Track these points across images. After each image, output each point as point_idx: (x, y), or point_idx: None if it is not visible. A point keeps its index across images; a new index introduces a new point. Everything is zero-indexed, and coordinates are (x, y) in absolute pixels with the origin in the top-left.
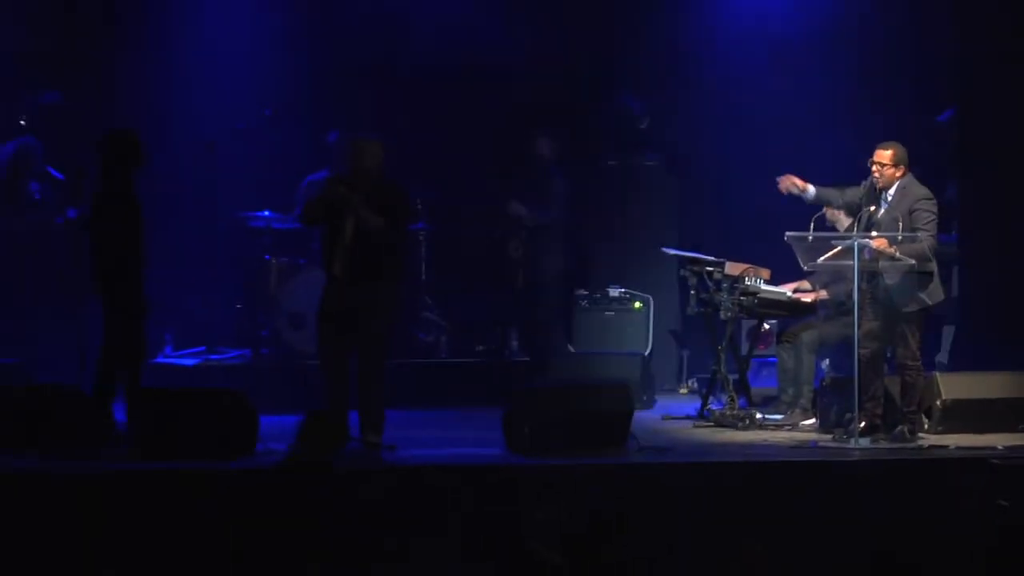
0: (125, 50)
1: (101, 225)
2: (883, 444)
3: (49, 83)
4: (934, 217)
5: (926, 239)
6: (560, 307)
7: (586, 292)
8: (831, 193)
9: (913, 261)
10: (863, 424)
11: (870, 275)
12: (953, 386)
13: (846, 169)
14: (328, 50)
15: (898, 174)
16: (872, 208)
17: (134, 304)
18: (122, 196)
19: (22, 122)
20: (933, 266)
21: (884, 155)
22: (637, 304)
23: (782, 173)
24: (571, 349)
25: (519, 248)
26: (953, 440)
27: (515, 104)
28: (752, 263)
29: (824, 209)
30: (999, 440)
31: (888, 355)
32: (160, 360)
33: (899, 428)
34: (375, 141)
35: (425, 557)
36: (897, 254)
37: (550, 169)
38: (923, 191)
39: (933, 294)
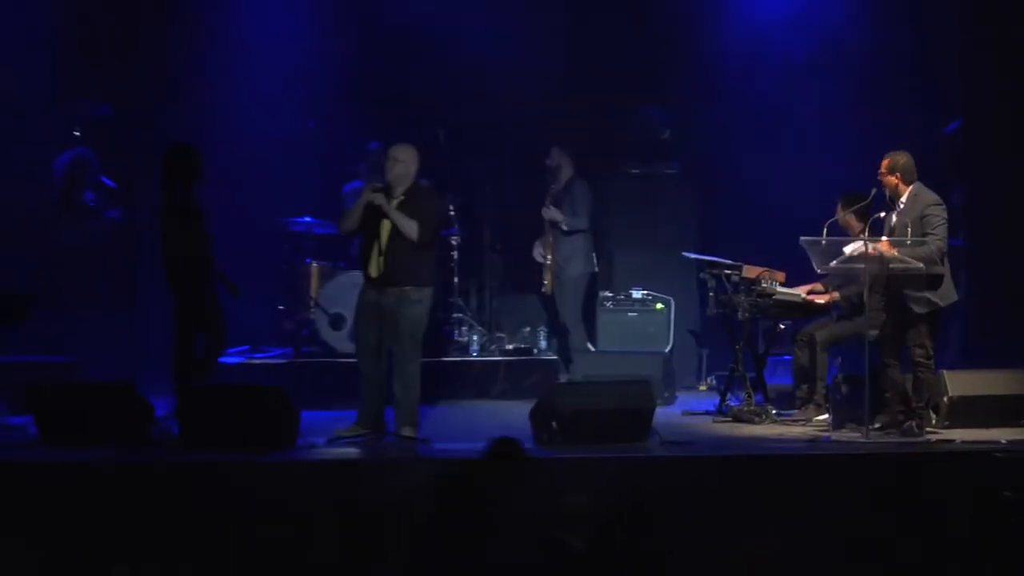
0: (173, 63)
1: (167, 233)
2: (892, 438)
3: (100, 96)
4: (943, 222)
5: (935, 243)
6: (585, 308)
7: (610, 294)
8: None
9: (921, 265)
10: (886, 420)
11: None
12: (959, 383)
13: (856, 177)
14: (367, 63)
15: (894, 180)
16: (884, 214)
17: (205, 307)
18: (184, 206)
19: (76, 133)
20: (942, 269)
21: (883, 163)
22: (659, 305)
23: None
24: (591, 348)
25: (547, 252)
26: (959, 434)
27: (543, 115)
28: (768, 266)
29: (837, 214)
30: (1002, 435)
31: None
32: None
33: (908, 423)
34: (410, 149)
35: (458, 544)
36: (906, 257)
37: (571, 179)
38: (933, 197)
39: (945, 296)
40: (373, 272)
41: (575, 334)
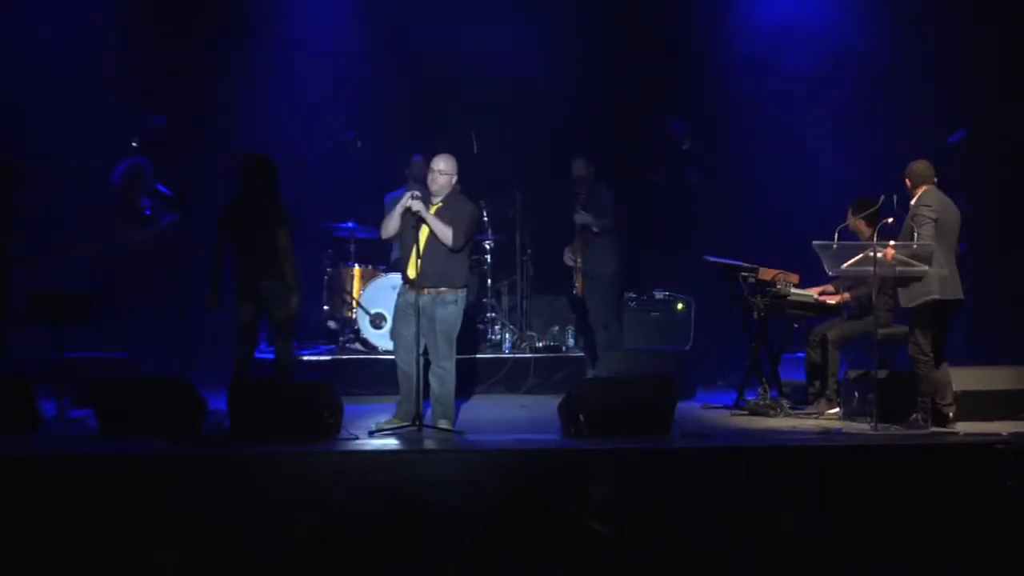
0: (225, 78)
1: (275, 230)
2: (899, 431)
3: (156, 107)
4: (928, 221)
5: (919, 241)
6: (614, 307)
7: (634, 294)
8: None
9: (926, 267)
10: (923, 414)
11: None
12: (962, 378)
13: (865, 183)
14: (407, 77)
15: (908, 184)
16: (891, 220)
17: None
18: (267, 207)
19: (134, 144)
20: (922, 267)
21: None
22: (680, 305)
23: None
24: (621, 344)
25: (577, 256)
26: (962, 427)
27: (572, 127)
28: (783, 269)
29: (847, 220)
30: (1003, 427)
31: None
32: (256, 355)
33: (913, 416)
34: (451, 159)
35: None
36: (907, 259)
37: (593, 184)
38: (925, 199)
39: (917, 295)
40: (411, 275)
41: (608, 332)
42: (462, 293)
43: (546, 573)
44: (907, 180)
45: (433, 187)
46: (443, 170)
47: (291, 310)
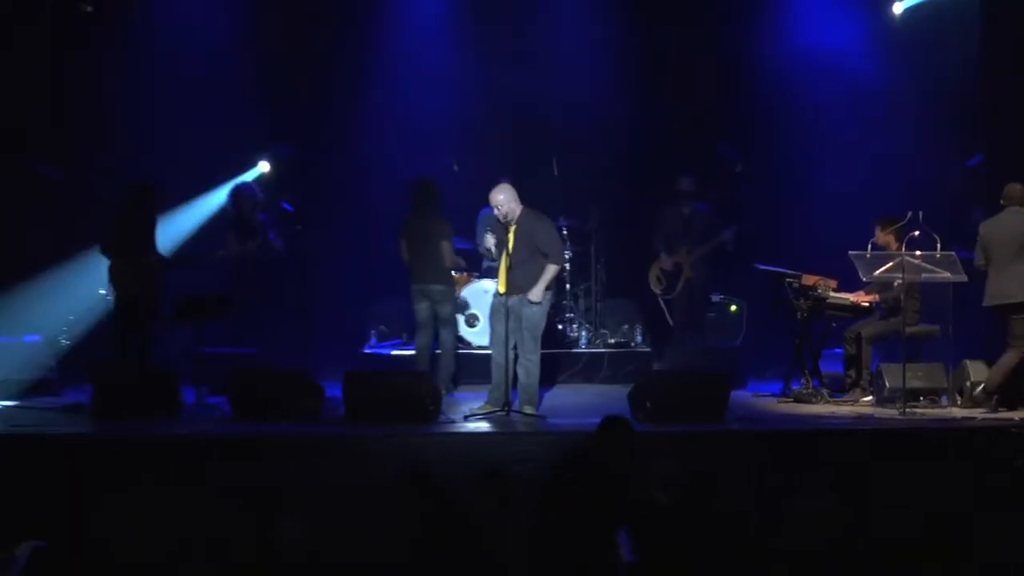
0: (339, 110)
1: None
2: (925, 416)
3: (281, 137)
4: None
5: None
6: (702, 310)
7: None
8: None
9: (948, 273)
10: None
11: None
12: (980, 371)
13: (896, 198)
14: (497, 111)
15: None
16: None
17: None
18: (433, 222)
19: (263, 166)
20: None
21: None
22: (733, 307)
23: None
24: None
25: (683, 258)
26: (980, 413)
27: (639, 150)
28: (823, 275)
29: (876, 235)
30: (1016, 414)
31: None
32: (367, 350)
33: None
34: (505, 188)
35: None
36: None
37: (696, 203)
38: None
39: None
40: (501, 280)
41: (690, 330)
42: (547, 295)
43: (613, 532)
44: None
45: (502, 216)
46: (501, 201)
47: (454, 308)
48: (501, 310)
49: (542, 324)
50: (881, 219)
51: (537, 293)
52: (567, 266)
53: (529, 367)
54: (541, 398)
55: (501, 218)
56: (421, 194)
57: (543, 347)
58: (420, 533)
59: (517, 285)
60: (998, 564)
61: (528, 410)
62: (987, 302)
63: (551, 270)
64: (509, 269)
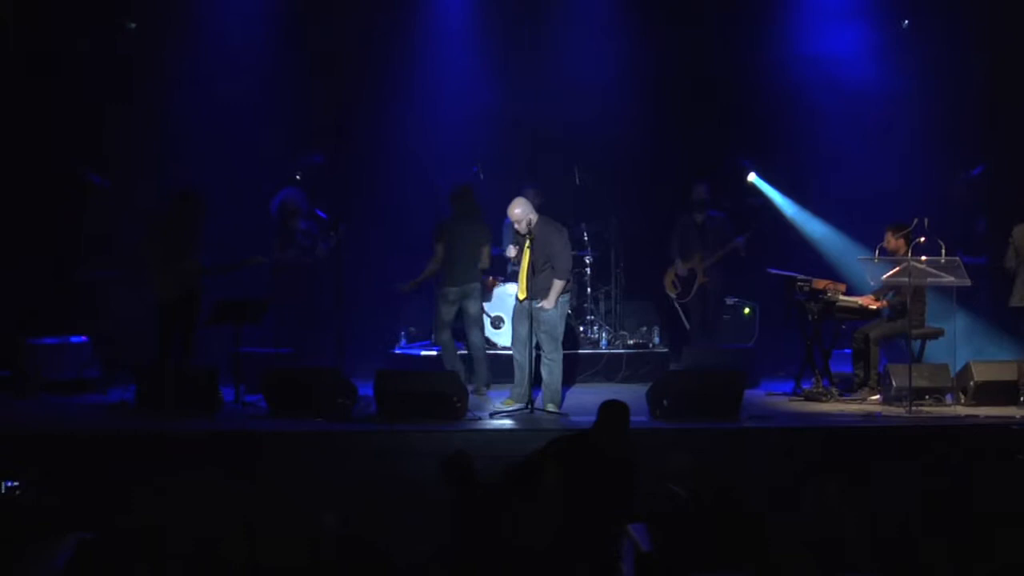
0: (369, 121)
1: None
2: (929, 414)
3: (314, 147)
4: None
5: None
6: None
7: None
8: None
9: (952, 277)
10: None
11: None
12: (983, 370)
13: (901, 206)
14: (521, 123)
15: None
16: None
17: None
18: (470, 226)
19: (297, 177)
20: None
21: None
22: (747, 310)
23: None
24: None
25: (698, 264)
26: (983, 411)
27: (657, 161)
28: (832, 279)
29: (885, 240)
30: (1017, 411)
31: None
32: (397, 351)
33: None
34: (520, 201)
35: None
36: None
37: (709, 210)
38: None
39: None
40: (521, 286)
41: (705, 331)
42: (563, 299)
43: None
44: None
45: (520, 229)
46: (518, 215)
47: (481, 308)
48: (522, 313)
49: (560, 325)
50: (893, 225)
51: (548, 303)
52: (587, 270)
53: (552, 367)
54: (563, 396)
55: (519, 229)
56: (463, 199)
57: (565, 348)
58: (452, 518)
59: (535, 291)
60: (1005, 563)
61: (551, 408)
62: (1015, 302)
63: (557, 285)
64: (528, 276)
